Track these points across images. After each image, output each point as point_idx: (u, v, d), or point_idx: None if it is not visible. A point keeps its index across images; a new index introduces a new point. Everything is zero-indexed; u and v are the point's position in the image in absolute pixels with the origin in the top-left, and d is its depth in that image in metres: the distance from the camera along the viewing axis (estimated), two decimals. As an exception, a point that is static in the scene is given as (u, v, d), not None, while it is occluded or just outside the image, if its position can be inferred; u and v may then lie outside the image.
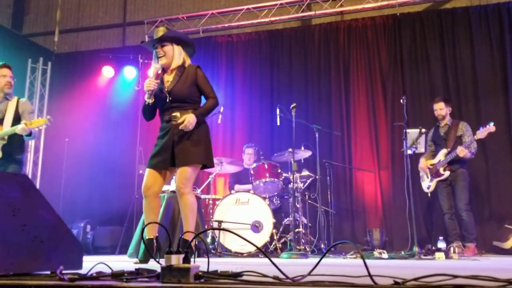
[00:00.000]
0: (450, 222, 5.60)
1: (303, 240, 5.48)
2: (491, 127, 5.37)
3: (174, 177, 5.36)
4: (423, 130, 5.34)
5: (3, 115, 4.48)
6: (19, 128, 4.29)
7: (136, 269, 1.89)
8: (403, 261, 4.13)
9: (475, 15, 7.03)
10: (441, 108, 5.82)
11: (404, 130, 5.19)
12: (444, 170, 5.63)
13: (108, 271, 1.87)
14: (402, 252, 4.97)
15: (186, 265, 1.68)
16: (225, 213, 5.47)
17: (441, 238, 5.09)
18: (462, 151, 5.42)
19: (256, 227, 5.42)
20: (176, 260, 1.72)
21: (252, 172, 5.93)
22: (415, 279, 1.52)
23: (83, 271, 1.95)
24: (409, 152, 5.20)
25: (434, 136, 5.90)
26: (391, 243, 6.43)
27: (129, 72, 8.05)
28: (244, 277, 1.81)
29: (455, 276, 1.47)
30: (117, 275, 1.81)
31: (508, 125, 6.51)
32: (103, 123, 8.11)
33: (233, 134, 7.68)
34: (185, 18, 8.53)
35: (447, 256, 4.57)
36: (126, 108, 8.05)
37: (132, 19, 9.28)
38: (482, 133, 5.40)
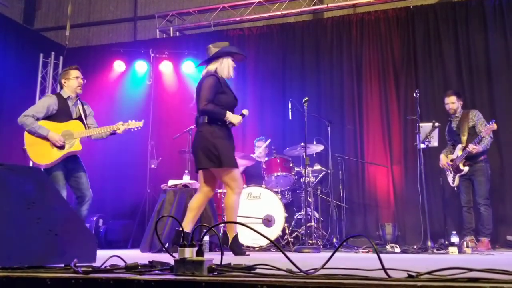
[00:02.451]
0: (467, 215, 5.55)
1: (315, 235, 5.46)
2: (493, 126, 5.29)
3: (186, 171, 5.39)
4: (436, 124, 5.28)
5: (78, 116, 4.48)
6: (121, 129, 4.44)
7: (149, 261, 1.90)
8: (416, 255, 4.10)
9: (490, 7, 6.92)
10: (453, 102, 5.74)
11: (417, 124, 5.14)
12: (464, 165, 5.55)
13: (122, 264, 1.88)
14: (415, 247, 4.94)
15: (200, 258, 1.69)
16: (237, 207, 5.47)
17: (454, 232, 5.04)
18: (473, 149, 5.35)
19: (268, 221, 5.42)
20: (190, 253, 1.72)
21: (264, 166, 5.93)
22: (429, 273, 1.50)
23: (97, 264, 1.97)
24: (422, 146, 5.15)
25: (448, 131, 5.83)
26: (403, 237, 6.39)
27: (141, 66, 8.06)
28: (258, 270, 1.82)
29: (470, 270, 1.45)
30: (131, 268, 1.83)
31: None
32: (114, 117, 8.09)
33: (244, 128, 7.67)
34: (196, 11, 8.53)
35: (460, 251, 4.53)
36: (137, 103, 8.08)
37: (143, 13, 9.30)
38: (484, 132, 5.33)
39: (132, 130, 4.55)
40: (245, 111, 4.06)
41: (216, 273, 1.71)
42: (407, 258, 3.59)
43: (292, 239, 5.54)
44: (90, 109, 4.68)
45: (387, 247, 4.74)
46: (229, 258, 3.38)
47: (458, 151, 5.58)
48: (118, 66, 8.21)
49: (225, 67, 4.02)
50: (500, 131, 6.00)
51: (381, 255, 4.15)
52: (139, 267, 1.86)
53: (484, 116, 5.68)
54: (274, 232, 5.38)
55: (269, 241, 5.32)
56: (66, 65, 8.53)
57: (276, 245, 1.73)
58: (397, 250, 4.59)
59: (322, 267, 1.69)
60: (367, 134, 7.15)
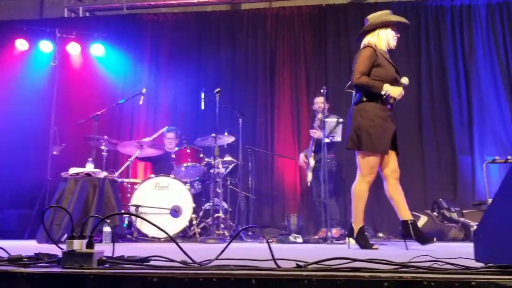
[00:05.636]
0: (321, 210, 5.85)
1: (222, 225, 5.49)
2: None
3: (90, 159, 5.17)
4: (341, 119, 5.54)
5: None
6: None
7: (35, 253, 1.80)
8: (315, 245, 4.27)
9: (396, 10, 7.28)
10: (322, 102, 6.01)
11: (323, 119, 5.33)
12: (313, 159, 5.89)
13: (6, 256, 1.77)
14: (316, 237, 5.14)
15: (89, 250, 1.63)
16: (143, 197, 5.36)
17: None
18: (315, 133, 5.73)
19: (175, 212, 5.37)
20: (79, 245, 1.65)
21: (173, 156, 5.85)
22: (316, 262, 1.57)
23: (-24, 256, 1.82)
24: (327, 140, 5.37)
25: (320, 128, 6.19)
26: (307, 228, 6.62)
27: (45, 46, 7.56)
28: (152, 262, 1.79)
29: (354, 260, 1.53)
30: (14, 260, 1.72)
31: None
32: (14, 99, 7.59)
33: (155, 116, 7.52)
34: (108, -8, 8.18)
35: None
36: (40, 85, 7.58)
37: (51, -11, 8.74)
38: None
39: None
40: (404, 80, 3.66)
41: (107, 265, 1.66)
42: (305, 248, 3.73)
43: (199, 230, 5.53)
44: None
45: (290, 237, 4.89)
46: (130, 250, 3.31)
47: (312, 147, 5.91)
48: (20, 44, 7.64)
49: (383, 39, 3.69)
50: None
51: (283, 245, 4.27)
52: (24, 259, 1.76)
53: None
54: (181, 222, 5.34)
55: (175, 232, 5.28)
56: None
57: (168, 235, 1.71)
58: (299, 240, 4.75)
59: (216, 258, 1.70)
60: (277, 127, 7.30)
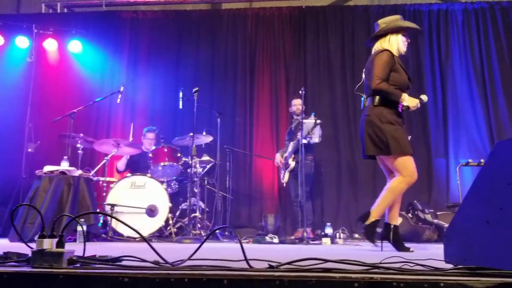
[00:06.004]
0: (297, 209, 5.89)
1: (199, 225, 5.47)
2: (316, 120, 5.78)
3: (65, 157, 5.10)
4: (318, 121, 5.58)
5: None
6: None
7: (4, 252, 1.77)
8: (291, 246, 4.29)
9: (374, 14, 7.43)
10: (300, 104, 6.07)
11: (301, 120, 5.36)
12: (292, 160, 5.94)
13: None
14: (293, 237, 5.17)
15: (59, 250, 1.60)
16: (119, 196, 5.30)
17: (328, 224, 5.36)
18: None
19: (151, 211, 5.32)
20: (49, 244, 1.63)
21: (150, 155, 5.80)
22: (289, 263, 1.58)
23: None
24: (304, 141, 5.40)
25: (289, 132, 6.26)
26: (285, 228, 6.65)
27: (22, 42, 7.41)
28: (124, 262, 1.77)
29: (326, 261, 1.54)
30: (-18, 260, 1.68)
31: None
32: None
33: (133, 115, 7.44)
34: (86, -12, 8.07)
35: (333, 241, 4.83)
36: (16, 81, 7.42)
37: (28, -16, 8.58)
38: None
39: None
40: (423, 97, 3.63)
41: (78, 265, 1.64)
42: (281, 248, 3.75)
43: (175, 230, 5.49)
44: None
45: (266, 237, 4.90)
46: (104, 250, 3.27)
47: (289, 148, 5.96)
48: (-5, 40, 7.49)
49: (394, 45, 3.63)
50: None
51: (259, 246, 4.26)
52: (-8, 258, 1.72)
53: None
54: (157, 222, 5.30)
55: (151, 232, 5.24)
56: None
57: (140, 234, 1.70)
58: (276, 240, 4.76)
59: (189, 259, 1.69)
60: (256, 127, 7.31)
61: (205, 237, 1.90)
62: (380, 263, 1.62)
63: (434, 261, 1.78)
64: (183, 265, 1.60)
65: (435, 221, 5.65)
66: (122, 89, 6.01)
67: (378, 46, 3.68)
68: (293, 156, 5.99)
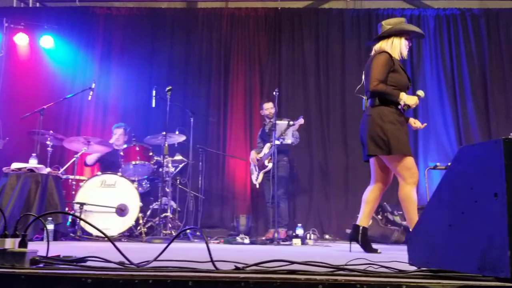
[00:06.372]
0: (272, 210, 5.92)
1: (170, 225, 5.43)
2: (300, 120, 5.84)
3: (33, 154, 4.99)
4: (291, 122, 5.61)
5: None
6: None
7: (-37, 253, 1.71)
8: (261, 247, 4.30)
9: (349, 17, 7.54)
10: (272, 107, 6.15)
11: (274, 121, 5.38)
12: (268, 162, 5.97)
13: None
14: (264, 238, 5.18)
15: (21, 249, 1.57)
16: (89, 195, 5.21)
17: (299, 225, 5.39)
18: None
19: (122, 211, 5.26)
20: (11, 243, 1.59)
21: (122, 153, 5.73)
22: (256, 264, 1.58)
23: None
24: (277, 142, 5.43)
25: (262, 134, 6.28)
26: (256, 228, 6.67)
27: (-9, 36, 7.25)
28: (88, 263, 1.75)
29: (292, 262, 1.55)
30: None
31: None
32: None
33: (105, 113, 7.34)
34: (59, -17, 7.92)
35: (303, 242, 4.86)
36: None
37: (-1, -23, 8.36)
38: (295, 125, 5.86)
39: None
40: (420, 92, 3.65)
41: (41, 265, 1.61)
42: (250, 249, 3.76)
43: (146, 229, 5.44)
44: None
45: (237, 238, 4.90)
46: (71, 249, 3.23)
47: (266, 149, 5.97)
48: (-37, 33, 7.28)
49: (396, 47, 3.64)
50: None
51: (230, 246, 4.26)
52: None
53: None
54: (127, 221, 5.23)
55: (121, 231, 5.18)
56: None
57: (105, 235, 1.68)
58: (246, 241, 4.76)
59: (155, 260, 1.68)
60: (230, 127, 7.31)
61: (172, 238, 1.89)
62: (345, 265, 1.64)
63: (398, 263, 1.81)
64: (148, 266, 1.59)
65: (404, 223, 5.73)
66: (93, 86, 5.93)
67: (379, 47, 3.69)
68: (270, 157, 5.98)
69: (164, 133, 5.50)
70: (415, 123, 3.82)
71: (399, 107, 3.53)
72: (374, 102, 3.54)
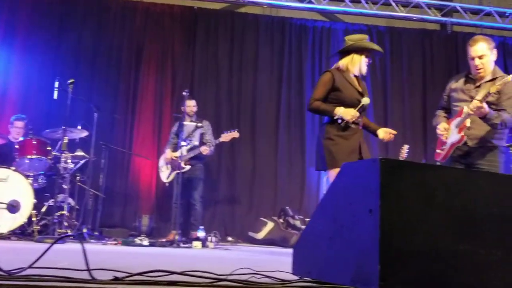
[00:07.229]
0: (178, 211, 5.92)
1: (66, 224, 5.17)
2: (235, 133, 5.92)
3: None
4: (199, 124, 5.60)
5: None
6: None
7: None
8: (158, 249, 4.24)
9: (263, 23, 7.68)
10: (194, 105, 6.16)
11: (182, 122, 5.34)
12: (185, 164, 5.96)
13: None
14: (164, 240, 5.11)
15: None
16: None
17: (201, 227, 5.39)
18: (205, 150, 5.87)
19: (13, 207, 4.94)
20: None
21: (17, 146, 5.38)
22: (139, 274, 1.55)
23: None
24: (184, 143, 5.39)
25: (178, 130, 6.24)
26: (159, 229, 6.54)
27: None
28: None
29: (172, 273, 1.54)
30: None
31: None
32: None
33: (3, 102, 6.83)
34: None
35: (204, 245, 4.86)
36: None
37: None
38: (226, 137, 5.92)
39: None
40: (364, 100, 3.58)
41: None
42: (146, 252, 3.69)
43: (39, 228, 5.14)
44: None
45: (136, 239, 4.79)
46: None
47: (184, 151, 5.93)
48: None
49: (356, 64, 3.63)
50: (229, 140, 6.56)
51: (129, 248, 4.15)
52: None
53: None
54: (18, 219, 4.92)
55: (11, 229, 4.86)
56: None
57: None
58: (145, 243, 4.67)
59: (29, 267, 1.59)
60: (138, 125, 7.12)
61: (74, 237, 1.80)
62: (228, 274, 1.66)
63: (282, 273, 1.86)
64: (20, 275, 1.50)
65: (303, 227, 5.95)
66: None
67: (340, 62, 3.72)
68: (187, 160, 5.88)
69: (63, 127, 5.24)
70: (384, 134, 3.75)
71: (339, 122, 3.58)
72: (321, 120, 3.76)
